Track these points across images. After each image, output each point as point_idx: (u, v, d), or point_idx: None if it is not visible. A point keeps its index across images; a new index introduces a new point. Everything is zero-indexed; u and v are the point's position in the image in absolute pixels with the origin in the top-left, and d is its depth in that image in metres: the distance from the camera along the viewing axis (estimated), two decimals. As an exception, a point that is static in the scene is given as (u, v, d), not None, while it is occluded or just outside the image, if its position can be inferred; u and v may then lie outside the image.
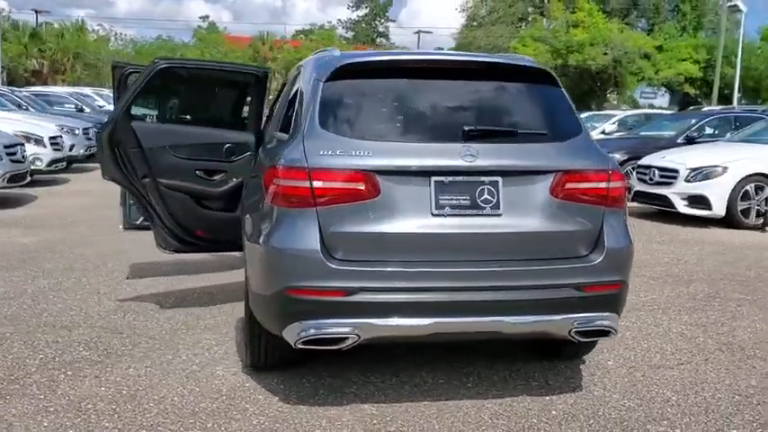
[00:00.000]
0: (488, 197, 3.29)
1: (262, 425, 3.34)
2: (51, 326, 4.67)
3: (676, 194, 9.68)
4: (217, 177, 4.72)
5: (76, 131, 14.17)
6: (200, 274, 6.08)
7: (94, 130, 13.39)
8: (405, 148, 3.34)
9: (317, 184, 3.21)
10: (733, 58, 41.34)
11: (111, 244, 7.13)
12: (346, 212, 3.22)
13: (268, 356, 3.80)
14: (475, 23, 47.63)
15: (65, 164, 12.99)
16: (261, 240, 3.36)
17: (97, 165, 5.43)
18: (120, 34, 48.50)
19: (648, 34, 44.29)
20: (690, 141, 12.07)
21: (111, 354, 4.20)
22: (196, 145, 4.66)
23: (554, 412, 3.54)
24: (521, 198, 3.34)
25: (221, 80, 4.98)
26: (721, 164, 9.58)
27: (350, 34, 65.94)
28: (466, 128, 3.35)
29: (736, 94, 38.37)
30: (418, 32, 59.95)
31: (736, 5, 38.54)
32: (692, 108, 32.23)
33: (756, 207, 9.48)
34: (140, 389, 3.70)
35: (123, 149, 4.47)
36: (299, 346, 3.27)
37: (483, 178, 3.30)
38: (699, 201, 9.52)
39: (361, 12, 69.92)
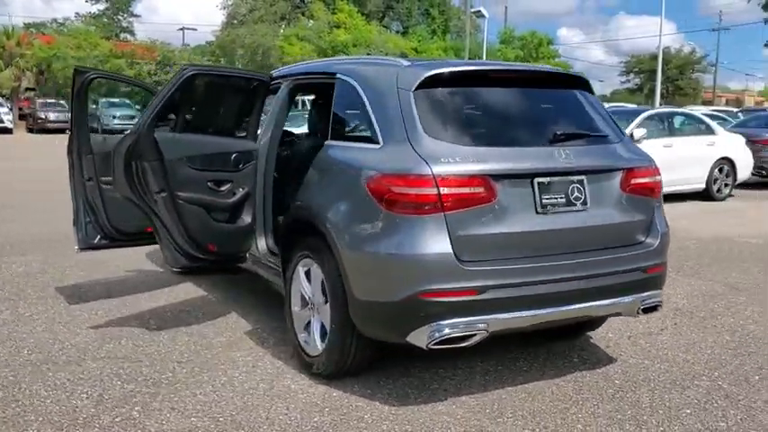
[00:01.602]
0: (578, 194, 3.67)
1: (393, 428, 3.40)
2: (52, 362, 4.16)
3: None
4: (224, 188, 4.54)
5: None
6: (138, 294, 5.69)
7: None
8: (511, 153, 3.59)
9: (443, 190, 3.35)
10: (477, 59, 45.54)
11: (11, 267, 6.35)
12: (470, 216, 3.40)
13: (354, 362, 3.82)
14: (236, 21, 47.21)
15: None
16: (382, 249, 3.41)
17: None
18: None
19: (403, 36, 47.19)
20: None
21: (158, 382, 3.90)
22: (208, 155, 4.46)
23: (612, 374, 4.06)
24: (600, 194, 3.76)
25: (236, 86, 4.75)
26: None
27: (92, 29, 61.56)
28: (558, 132, 3.71)
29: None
30: (182, 29, 58.00)
31: (479, 11, 42.56)
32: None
33: None
34: (234, 413, 3.54)
35: (141, 163, 4.14)
36: (432, 347, 3.39)
37: (573, 177, 3.66)
38: None
39: (101, 5, 65.47)
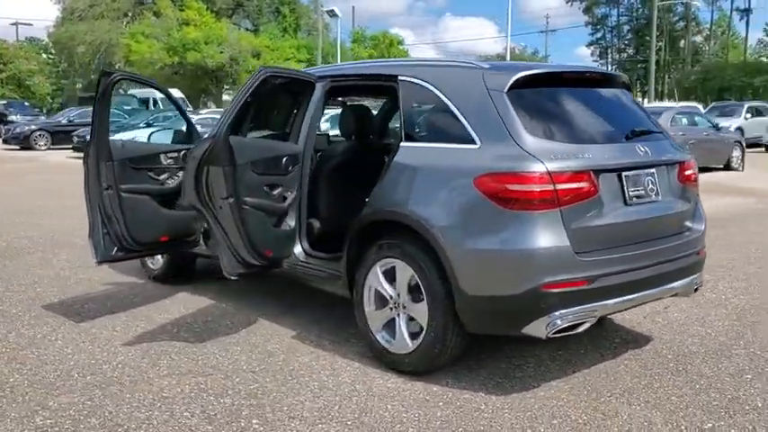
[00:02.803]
0: (652, 186, 3.98)
1: (516, 416, 3.55)
2: (118, 383, 3.90)
3: None
4: (276, 192, 4.45)
5: None
6: (140, 307, 5.42)
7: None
8: (602, 149, 3.83)
9: (559, 186, 3.54)
10: (330, 58, 45.92)
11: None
12: (580, 210, 3.62)
13: (449, 358, 3.92)
14: (74, 16, 44.37)
15: None
16: (503, 245, 3.55)
17: None
18: None
19: (255, 34, 46.58)
20: None
21: (252, 394, 3.77)
22: (265, 159, 4.35)
23: (660, 350, 4.44)
24: (666, 185, 4.10)
25: (291, 88, 4.60)
26: None
27: None
28: (633, 128, 4.01)
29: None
30: (15, 23, 53.35)
31: (333, 10, 42.92)
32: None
33: None
34: (357, 416, 3.52)
35: (213, 168, 3.97)
36: (551, 336, 3.57)
37: (648, 170, 3.97)
38: None
39: None
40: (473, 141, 3.79)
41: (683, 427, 3.44)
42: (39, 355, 4.33)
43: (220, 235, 4.17)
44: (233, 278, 4.35)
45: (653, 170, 4.01)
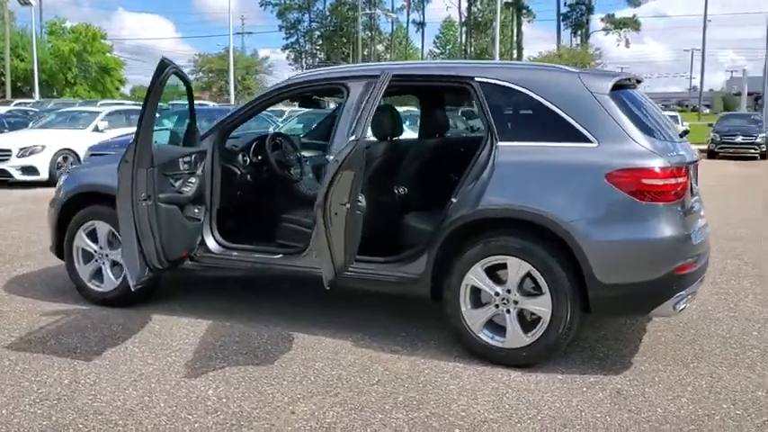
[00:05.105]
0: (694, 182, 4.53)
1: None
2: (244, 418, 3.41)
3: (13, 167, 13.24)
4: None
5: None
6: (142, 332, 4.70)
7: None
8: (678, 147, 4.29)
9: (679, 180, 3.97)
10: (21, 51, 41.20)
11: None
12: (685, 200, 4.08)
13: (565, 345, 4.12)
14: None
15: None
16: (642, 234, 3.87)
17: None
18: None
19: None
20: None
21: (407, 404, 3.58)
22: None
23: (683, 333, 5.00)
24: (694, 182, 4.66)
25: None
26: (40, 143, 13.52)
27: None
28: (681, 129, 4.54)
29: (36, 89, 38.62)
30: None
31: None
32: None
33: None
34: (556, 413, 3.57)
35: (344, 173, 3.68)
36: (678, 310, 4.02)
37: (692, 167, 4.51)
38: (30, 170, 13.29)
39: None
40: (588, 140, 4.02)
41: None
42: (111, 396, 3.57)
43: (330, 241, 3.84)
44: (328, 286, 4.00)
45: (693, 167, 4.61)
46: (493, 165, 4.16)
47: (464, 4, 70.40)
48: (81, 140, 13.82)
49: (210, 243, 4.87)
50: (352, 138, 3.68)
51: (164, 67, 4.07)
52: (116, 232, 5.03)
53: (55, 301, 5.37)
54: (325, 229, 3.79)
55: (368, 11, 70.13)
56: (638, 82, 4.84)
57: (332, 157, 3.86)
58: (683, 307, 4.04)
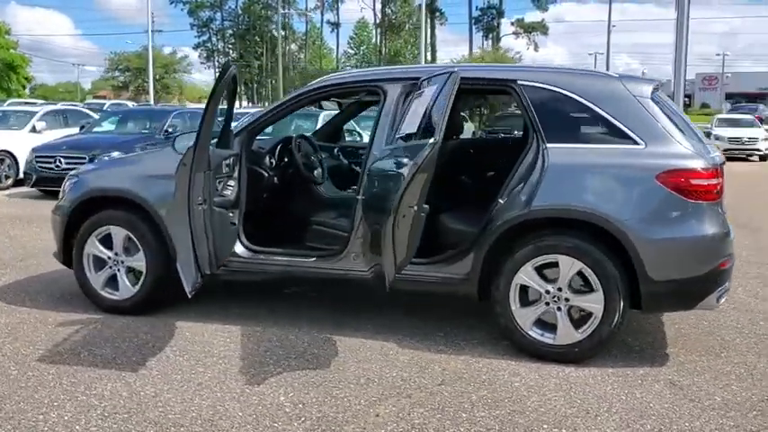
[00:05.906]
0: None
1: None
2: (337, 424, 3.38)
3: None
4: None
5: None
6: (181, 343, 4.56)
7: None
8: (710, 149, 4.51)
9: (720, 179, 4.18)
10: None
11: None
12: (723, 199, 4.30)
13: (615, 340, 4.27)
14: None
15: None
16: (692, 232, 4.06)
17: None
18: None
19: None
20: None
21: (516, 414, 3.64)
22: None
23: (713, 333, 5.32)
24: None
25: None
26: None
27: None
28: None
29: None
30: None
31: None
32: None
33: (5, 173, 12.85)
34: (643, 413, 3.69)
35: (418, 176, 3.67)
36: (720, 304, 4.23)
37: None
38: None
39: None
40: (635, 142, 4.19)
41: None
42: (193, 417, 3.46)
43: (391, 245, 3.84)
44: (389, 289, 4.00)
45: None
46: (543, 166, 4.26)
47: (378, 6, 70.77)
48: (18, 142, 13.20)
49: (238, 247, 4.77)
50: (432, 140, 3.69)
51: (227, 69, 3.97)
52: (133, 237, 4.87)
53: (62, 310, 5.14)
54: (392, 232, 3.78)
55: (282, 11, 69.47)
56: None
57: (377, 160, 3.84)
58: (723, 300, 4.27)
